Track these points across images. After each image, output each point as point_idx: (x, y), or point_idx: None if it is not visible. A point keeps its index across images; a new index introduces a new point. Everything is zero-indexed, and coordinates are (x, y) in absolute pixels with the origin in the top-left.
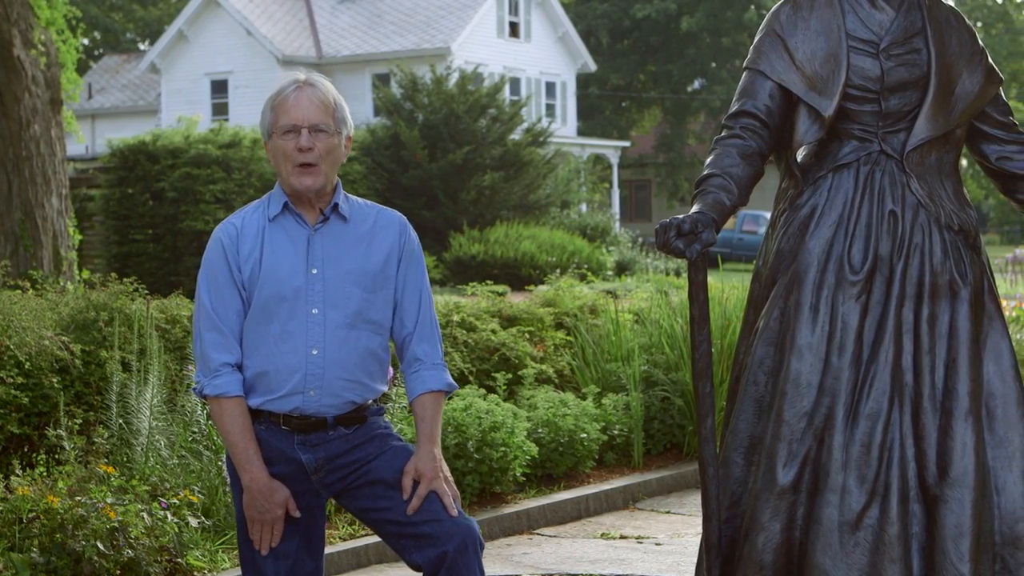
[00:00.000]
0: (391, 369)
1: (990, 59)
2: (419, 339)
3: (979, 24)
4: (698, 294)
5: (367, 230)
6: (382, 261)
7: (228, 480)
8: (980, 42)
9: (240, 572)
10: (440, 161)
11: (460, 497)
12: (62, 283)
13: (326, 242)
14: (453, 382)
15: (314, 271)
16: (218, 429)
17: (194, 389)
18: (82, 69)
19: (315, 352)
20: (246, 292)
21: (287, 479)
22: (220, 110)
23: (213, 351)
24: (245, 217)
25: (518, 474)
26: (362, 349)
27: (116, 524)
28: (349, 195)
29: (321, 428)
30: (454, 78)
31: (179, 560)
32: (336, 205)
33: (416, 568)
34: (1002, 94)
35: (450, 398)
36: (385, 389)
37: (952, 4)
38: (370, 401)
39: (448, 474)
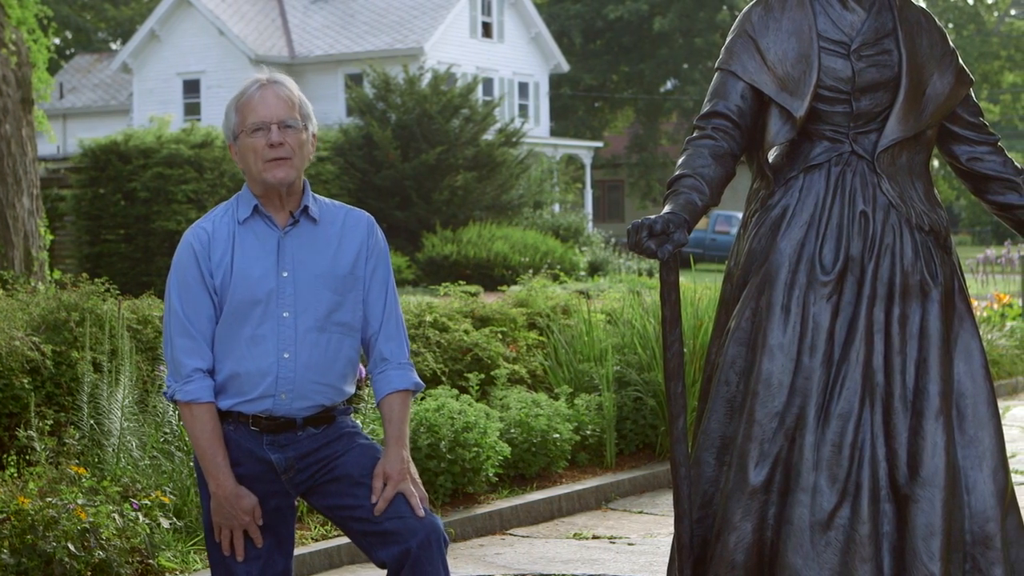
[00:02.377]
0: (361, 368)
1: (960, 60)
2: (385, 338)
3: (950, 25)
4: (670, 294)
5: (336, 231)
6: (351, 262)
7: (198, 483)
8: (951, 43)
9: (211, 574)
10: (413, 161)
11: (428, 498)
12: (33, 283)
13: (296, 245)
14: (420, 381)
15: (285, 274)
16: (188, 435)
17: (165, 393)
18: (53, 68)
19: (286, 356)
20: (218, 297)
21: (256, 479)
22: (192, 110)
23: (184, 356)
24: (215, 221)
25: (491, 474)
26: (333, 352)
27: (87, 525)
28: (317, 196)
29: (290, 429)
30: (427, 78)
31: (151, 561)
32: (306, 208)
33: (381, 565)
34: (972, 95)
35: (422, 398)
36: (354, 391)
37: (923, 5)
38: (339, 402)
39: (416, 475)
